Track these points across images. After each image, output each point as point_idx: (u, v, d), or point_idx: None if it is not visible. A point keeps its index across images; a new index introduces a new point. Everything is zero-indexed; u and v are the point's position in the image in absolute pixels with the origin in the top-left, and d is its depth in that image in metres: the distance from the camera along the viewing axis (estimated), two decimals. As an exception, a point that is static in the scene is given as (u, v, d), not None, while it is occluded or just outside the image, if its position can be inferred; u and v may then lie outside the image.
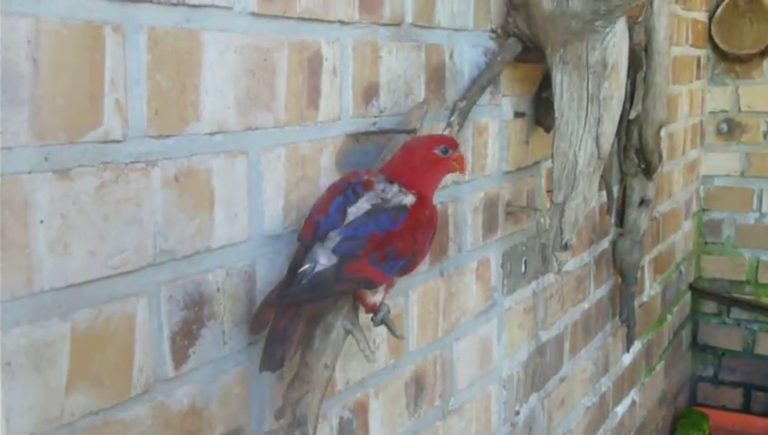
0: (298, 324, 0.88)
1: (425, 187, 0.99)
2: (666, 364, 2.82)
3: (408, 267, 0.96)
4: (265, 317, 0.89)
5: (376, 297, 0.97)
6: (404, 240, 0.93)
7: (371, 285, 0.94)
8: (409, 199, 0.96)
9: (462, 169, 1.05)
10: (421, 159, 1.00)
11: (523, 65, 1.48)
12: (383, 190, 0.95)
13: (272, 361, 0.87)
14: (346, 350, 1.01)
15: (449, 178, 1.28)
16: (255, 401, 0.94)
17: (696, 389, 3.27)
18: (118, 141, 0.75)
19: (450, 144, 1.03)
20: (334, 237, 0.89)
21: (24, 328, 0.68)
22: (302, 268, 0.88)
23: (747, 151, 3.12)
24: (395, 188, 0.96)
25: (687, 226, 3.00)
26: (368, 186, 0.94)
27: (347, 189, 0.94)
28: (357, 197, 0.93)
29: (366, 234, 0.90)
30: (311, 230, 0.91)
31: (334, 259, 0.88)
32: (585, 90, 1.33)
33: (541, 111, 1.58)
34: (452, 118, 1.24)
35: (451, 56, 1.28)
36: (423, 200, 0.98)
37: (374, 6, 1.09)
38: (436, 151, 1.00)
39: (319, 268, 0.88)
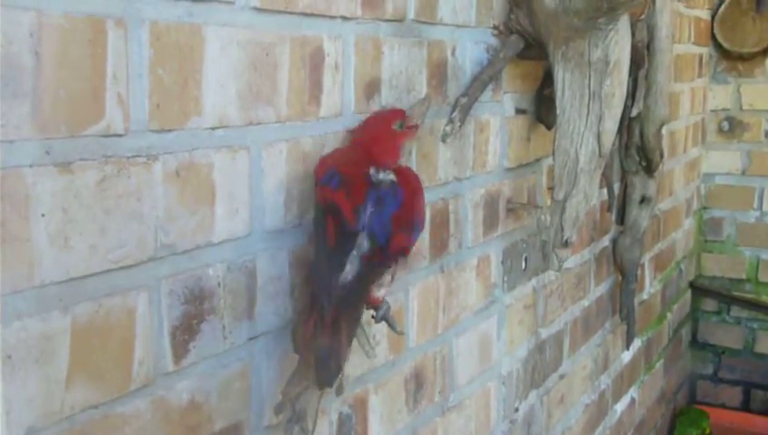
0: (341, 333, 0.86)
1: (393, 161, 1.01)
2: (665, 362, 2.82)
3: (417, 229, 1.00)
4: (305, 333, 0.88)
5: (381, 292, 0.97)
6: (412, 209, 0.98)
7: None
8: (391, 177, 0.98)
9: (412, 135, 1.07)
10: (385, 135, 1.02)
11: (524, 62, 1.48)
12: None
13: (328, 373, 0.85)
14: (346, 345, 1.01)
15: (449, 173, 1.29)
16: (255, 395, 0.94)
17: (696, 387, 3.27)
18: (119, 135, 0.75)
19: (401, 116, 1.05)
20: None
21: (24, 321, 0.68)
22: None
23: (748, 150, 3.12)
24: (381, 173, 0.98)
25: (688, 224, 3.00)
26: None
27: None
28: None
29: (388, 216, 0.93)
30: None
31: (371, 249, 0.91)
32: (587, 87, 1.33)
33: (542, 108, 1.58)
34: (453, 114, 1.25)
35: (453, 52, 1.28)
36: (398, 172, 1.00)
37: (376, 2, 1.09)
38: (395, 127, 1.03)
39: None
